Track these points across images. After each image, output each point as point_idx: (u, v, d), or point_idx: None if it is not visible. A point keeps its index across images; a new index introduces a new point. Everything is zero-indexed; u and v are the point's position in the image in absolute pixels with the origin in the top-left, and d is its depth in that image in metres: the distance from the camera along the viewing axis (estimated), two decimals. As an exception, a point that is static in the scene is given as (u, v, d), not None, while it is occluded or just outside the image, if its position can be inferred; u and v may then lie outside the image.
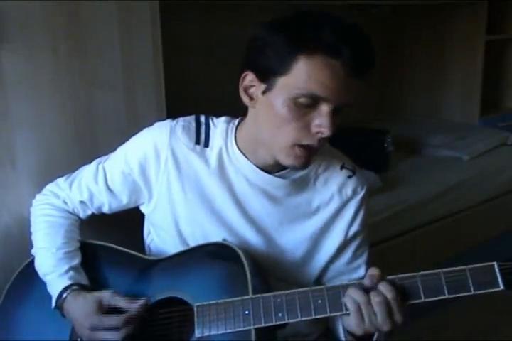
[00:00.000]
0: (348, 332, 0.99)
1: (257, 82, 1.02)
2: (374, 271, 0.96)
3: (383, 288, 0.93)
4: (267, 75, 1.00)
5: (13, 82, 1.23)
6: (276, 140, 1.02)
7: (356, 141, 2.39)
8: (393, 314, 0.93)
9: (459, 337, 2.06)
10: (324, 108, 0.98)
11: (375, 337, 0.98)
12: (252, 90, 1.04)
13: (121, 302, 1.06)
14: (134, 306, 1.05)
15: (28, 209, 1.26)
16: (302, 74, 0.96)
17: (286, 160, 1.03)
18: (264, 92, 1.01)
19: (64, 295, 1.08)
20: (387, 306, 0.92)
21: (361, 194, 1.15)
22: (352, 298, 0.94)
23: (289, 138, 1.01)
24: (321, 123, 0.98)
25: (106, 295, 1.07)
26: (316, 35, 0.95)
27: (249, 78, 1.03)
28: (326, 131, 0.98)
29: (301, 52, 0.95)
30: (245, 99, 1.05)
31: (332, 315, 0.96)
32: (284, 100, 0.98)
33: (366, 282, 0.95)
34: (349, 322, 0.96)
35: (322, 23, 0.96)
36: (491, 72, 3.08)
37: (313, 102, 0.97)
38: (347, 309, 0.94)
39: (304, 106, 0.98)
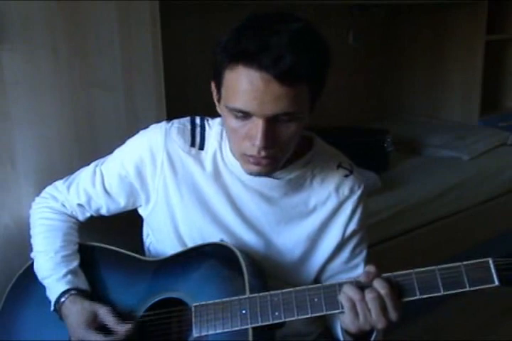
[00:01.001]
0: (346, 332, 1.00)
1: (216, 93, 1.03)
2: (371, 268, 0.96)
3: (377, 284, 0.93)
4: (217, 87, 1.00)
5: (13, 82, 1.23)
6: (233, 148, 1.05)
7: (356, 141, 2.39)
8: (387, 310, 0.93)
9: (459, 336, 2.05)
10: (256, 120, 0.95)
11: (373, 336, 0.98)
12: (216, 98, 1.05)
13: (111, 323, 1.06)
14: (121, 329, 1.05)
15: (27, 210, 1.26)
16: (227, 88, 0.96)
17: (244, 166, 1.04)
18: (218, 101, 1.03)
19: (62, 300, 1.09)
20: (381, 302, 0.92)
21: (358, 193, 1.15)
22: (347, 295, 0.94)
23: (237, 147, 1.02)
24: (253, 134, 0.96)
25: (102, 311, 1.07)
26: (237, 46, 0.93)
27: (212, 86, 1.04)
28: (257, 143, 0.96)
29: (226, 64, 0.94)
30: (217, 107, 1.05)
31: (328, 313, 0.96)
32: (225, 112, 0.99)
33: (363, 279, 0.96)
34: (344, 320, 0.96)
35: (247, 32, 0.94)
36: (490, 72, 3.08)
37: (246, 115, 0.96)
38: (342, 306, 0.95)
39: (242, 118, 0.97)
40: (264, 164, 1.01)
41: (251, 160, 1.01)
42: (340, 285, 0.96)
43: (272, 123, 0.95)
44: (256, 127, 0.95)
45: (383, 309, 0.92)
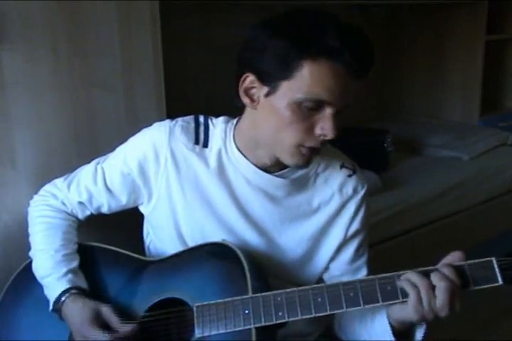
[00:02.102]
0: (392, 326, 1.00)
1: (258, 84, 1.02)
2: (459, 252, 0.97)
3: (449, 272, 0.93)
4: (270, 78, 1.00)
5: (13, 82, 1.23)
6: (280, 141, 1.03)
7: (356, 141, 2.39)
8: (455, 300, 0.92)
9: (459, 336, 2.05)
10: (328, 111, 0.99)
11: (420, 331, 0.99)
12: (252, 92, 1.04)
13: (114, 322, 1.06)
14: (123, 329, 1.05)
15: (27, 208, 1.26)
16: (306, 79, 0.97)
17: (290, 159, 1.04)
18: (266, 95, 1.01)
19: (63, 299, 1.08)
20: (451, 290, 0.92)
21: (361, 193, 1.16)
22: (411, 281, 0.94)
23: (292, 139, 1.01)
24: (324, 126, 0.99)
25: (105, 310, 1.07)
26: (319, 40, 0.95)
27: (249, 80, 1.03)
28: (329, 134, 1.00)
29: (305, 57, 0.96)
30: (246, 101, 1.05)
31: (332, 312, 0.96)
32: (287, 103, 0.99)
33: (454, 259, 0.97)
34: (404, 309, 0.95)
35: (323, 26, 0.96)
36: (490, 72, 3.08)
37: (317, 106, 0.98)
38: (404, 294, 0.94)
39: (308, 109, 0.99)
40: (315, 154, 1.05)
41: (306, 152, 1.03)
42: (344, 284, 0.97)
43: (336, 116, 1.00)
44: (328, 119, 0.99)
45: (452, 298, 0.92)
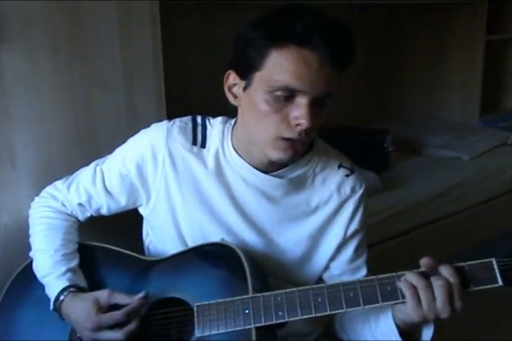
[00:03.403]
0: (398, 326, 0.99)
1: (238, 80, 1.03)
2: (428, 259, 0.95)
3: (446, 271, 0.92)
4: (246, 72, 1.01)
5: (13, 82, 1.23)
6: (260, 134, 1.03)
7: (356, 141, 2.39)
8: (454, 300, 0.91)
9: (459, 336, 2.05)
10: (301, 100, 0.97)
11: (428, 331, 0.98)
12: (235, 88, 1.05)
13: (120, 299, 1.06)
14: (134, 300, 1.05)
15: (27, 209, 1.26)
16: (275, 67, 0.97)
17: (272, 153, 1.03)
18: (244, 89, 1.02)
19: (61, 297, 1.08)
20: (449, 290, 0.91)
21: (360, 192, 1.15)
22: (409, 281, 0.93)
23: (270, 131, 1.01)
24: (298, 115, 0.97)
25: (103, 294, 1.06)
26: (286, 26, 0.95)
27: (232, 77, 1.04)
28: (304, 123, 0.97)
29: (273, 45, 0.96)
30: (230, 98, 1.06)
31: (332, 312, 0.96)
32: (262, 95, 0.99)
33: (425, 267, 0.95)
34: (405, 309, 0.95)
35: (293, 15, 0.96)
36: (490, 72, 3.08)
37: (290, 95, 0.97)
38: (403, 295, 0.93)
39: (282, 100, 0.98)
40: (296, 148, 1.02)
41: (284, 145, 1.01)
42: (344, 284, 0.96)
43: (313, 105, 0.97)
44: (301, 107, 0.97)
45: (450, 297, 0.91)
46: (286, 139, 1.00)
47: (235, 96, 1.05)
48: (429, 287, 0.92)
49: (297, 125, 0.98)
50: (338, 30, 0.96)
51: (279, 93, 0.97)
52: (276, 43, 0.96)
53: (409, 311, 0.94)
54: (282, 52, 0.96)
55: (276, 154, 1.02)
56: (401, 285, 0.94)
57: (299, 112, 0.97)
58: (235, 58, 1.03)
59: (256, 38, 0.97)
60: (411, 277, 0.94)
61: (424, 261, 0.95)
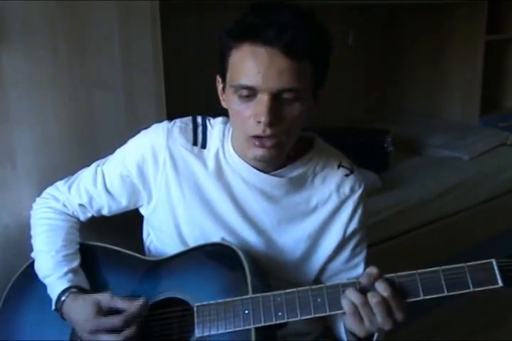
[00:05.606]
0: (351, 333, 0.99)
1: (221, 83, 1.07)
2: (372, 270, 0.96)
3: (380, 287, 0.93)
4: (222, 73, 1.04)
5: (13, 82, 1.23)
6: (238, 134, 1.06)
7: (356, 141, 2.39)
8: (393, 312, 0.93)
9: (459, 336, 2.05)
10: (261, 96, 0.98)
11: (375, 336, 0.98)
12: (221, 91, 1.08)
13: (120, 303, 1.05)
14: (134, 306, 1.04)
15: (28, 210, 1.25)
16: (233, 67, 0.99)
17: (247, 152, 1.05)
18: (223, 90, 1.06)
19: (63, 298, 1.08)
20: (385, 305, 0.92)
21: (359, 192, 1.16)
22: (349, 299, 0.94)
23: (240, 130, 1.03)
24: (258, 112, 0.98)
25: (104, 297, 1.06)
26: (244, 25, 0.97)
27: (219, 80, 1.07)
28: (262, 119, 0.97)
29: (233, 46, 0.99)
30: (221, 100, 1.09)
31: (332, 313, 0.96)
32: (231, 95, 1.01)
33: (364, 281, 0.95)
34: (348, 324, 0.96)
35: (250, 13, 0.98)
36: (490, 72, 3.08)
37: (251, 93, 0.98)
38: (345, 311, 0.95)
39: (247, 98, 0.99)
40: (268, 146, 1.01)
41: (256, 143, 1.01)
42: (344, 285, 0.96)
43: (276, 101, 0.97)
44: (261, 104, 0.97)
45: (389, 311, 0.92)
46: (256, 137, 1.01)
47: (224, 99, 1.08)
48: (368, 303, 0.93)
49: (258, 122, 0.99)
50: (294, 21, 0.95)
51: (241, 92, 0.99)
52: (235, 43, 0.98)
53: (351, 326, 0.96)
54: (238, 51, 0.98)
55: (251, 152, 1.04)
56: (343, 302, 0.95)
57: (259, 109, 0.98)
58: (218, 63, 1.05)
59: (223, 39, 1.01)
60: (350, 294, 0.94)
61: (365, 276, 0.96)
